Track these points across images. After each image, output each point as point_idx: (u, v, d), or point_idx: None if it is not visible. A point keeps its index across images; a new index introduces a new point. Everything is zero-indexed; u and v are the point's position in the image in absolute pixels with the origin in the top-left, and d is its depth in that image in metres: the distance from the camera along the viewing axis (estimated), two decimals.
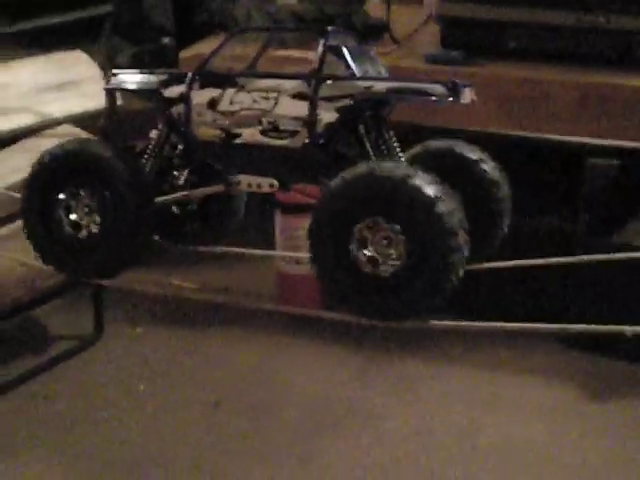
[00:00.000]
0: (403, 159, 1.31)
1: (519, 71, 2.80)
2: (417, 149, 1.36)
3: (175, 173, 1.41)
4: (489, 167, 1.32)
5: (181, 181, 1.41)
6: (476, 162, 1.31)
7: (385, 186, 1.13)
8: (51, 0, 4.26)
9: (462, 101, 1.20)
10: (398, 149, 1.29)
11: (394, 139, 1.29)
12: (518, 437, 2.63)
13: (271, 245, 3.11)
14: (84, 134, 2.85)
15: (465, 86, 1.22)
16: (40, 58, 2.99)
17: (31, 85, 2.87)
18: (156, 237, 1.46)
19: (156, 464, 2.56)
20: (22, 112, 2.79)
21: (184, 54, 3.06)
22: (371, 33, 3.11)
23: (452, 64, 2.79)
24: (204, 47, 3.12)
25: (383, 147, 1.28)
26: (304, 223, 3.09)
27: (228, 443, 2.62)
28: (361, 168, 1.16)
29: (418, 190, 1.11)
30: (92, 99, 2.81)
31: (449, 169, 1.29)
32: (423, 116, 2.85)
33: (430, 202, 1.11)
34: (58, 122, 2.85)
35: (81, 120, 2.89)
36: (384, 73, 1.31)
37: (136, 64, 3.27)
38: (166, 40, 3.51)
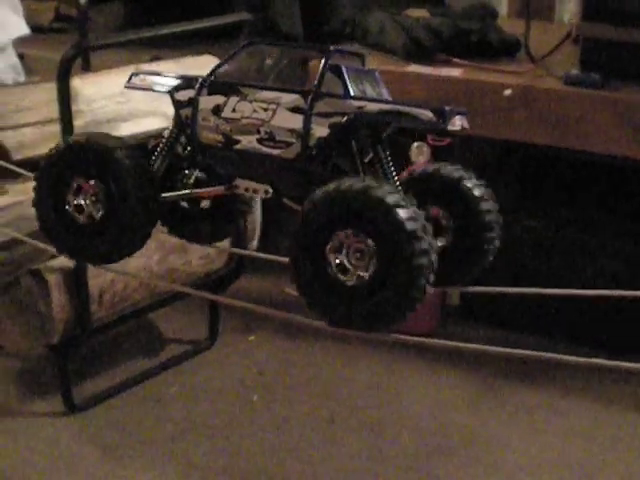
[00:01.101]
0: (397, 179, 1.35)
1: None
2: (404, 173, 1.40)
3: (186, 172, 1.47)
4: (472, 184, 1.34)
5: (191, 180, 1.47)
6: (459, 180, 1.34)
7: (349, 199, 1.17)
8: (186, 7, 4.30)
9: (450, 128, 1.22)
10: (392, 169, 1.33)
11: (389, 159, 1.32)
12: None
13: None
14: None
15: (457, 113, 1.23)
16: (170, 62, 2.98)
17: None
18: (168, 232, 1.55)
19: (268, 478, 2.53)
20: (151, 116, 2.78)
21: (314, 63, 3.02)
22: (506, 50, 3.04)
23: (591, 87, 2.71)
24: None
25: (378, 165, 1.32)
26: None
27: (342, 461, 2.58)
28: (328, 186, 1.21)
29: (379, 199, 1.16)
30: None
31: (436, 190, 1.35)
32: (558, 138, 2.79)
33: (390, 209, 1.15)
34: None
35: None
36: (385, 95, 1.34)
37: None
38: None
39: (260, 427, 2.71)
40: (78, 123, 2.50)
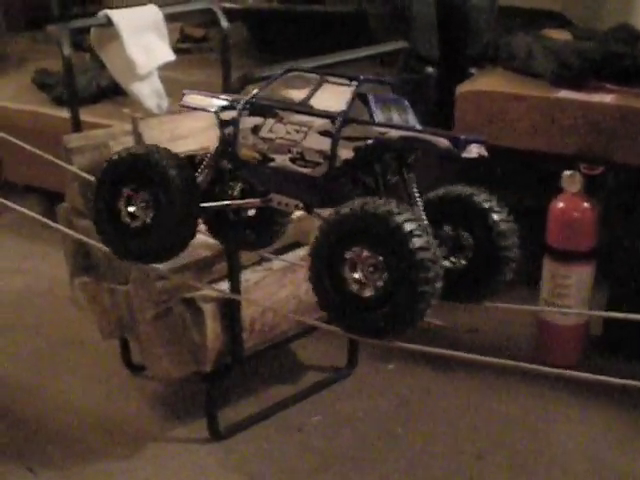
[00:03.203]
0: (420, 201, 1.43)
1: None
2: (439, 192, 1.47)
3: (231, 184, 1.60)
4: (499, 217, 1.41)
5: (235, 192, 1.60)
6: (487, 211, 1.41)
7: (371, 220, 1.26)
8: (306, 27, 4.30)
9: (465, 155, 1.28)
10: (416, 192, 1.41)
11: (414, 182, 1.41)
12: None
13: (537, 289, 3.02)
14: None
15: (473, 141, 1.29)
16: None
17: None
18: (218, 242, 1.71)
19: None
20: None
21: (462, 89, 2.99)
22: None
23: None
24: (481, 84, 3.04)
25: (402, 188, 1.41)
26: (574, 271, 2.96)
27: None
28: (346, 205, 1.30)
29: (398, 226, 1.23)
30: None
31: (463, 215, 1.42)
32: None
33: (406, 237, 1.23)
34: None
35: None
36: (412, 122, 1.41)
37: (398, 92, 3.23)
38: (430, 70, 3.45)
39: (407, 461, 2.66)
40: None
